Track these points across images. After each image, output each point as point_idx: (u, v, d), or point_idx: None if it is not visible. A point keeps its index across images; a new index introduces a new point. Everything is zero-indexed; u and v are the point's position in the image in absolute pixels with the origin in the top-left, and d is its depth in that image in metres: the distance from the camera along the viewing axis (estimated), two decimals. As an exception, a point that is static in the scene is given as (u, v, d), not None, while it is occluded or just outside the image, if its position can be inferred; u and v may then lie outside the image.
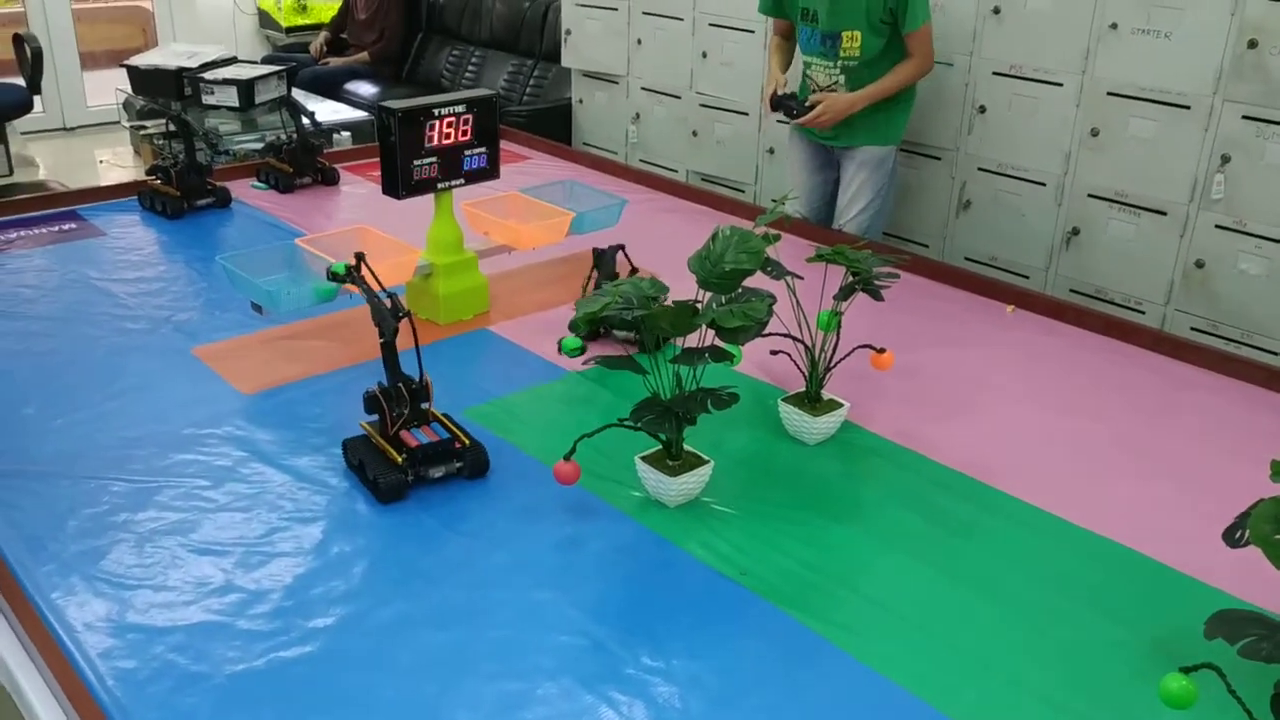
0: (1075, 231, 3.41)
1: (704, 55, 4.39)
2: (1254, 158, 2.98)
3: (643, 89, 4.76)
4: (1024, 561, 1.66)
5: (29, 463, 1.85)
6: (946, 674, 1.42)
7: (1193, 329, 3.18)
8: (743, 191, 4.37)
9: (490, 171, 2.41)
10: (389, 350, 1.78)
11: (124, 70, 3.51)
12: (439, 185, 2.32)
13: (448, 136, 2.30)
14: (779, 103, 3.31)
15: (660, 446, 1.77)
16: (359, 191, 3.33)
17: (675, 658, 1.44)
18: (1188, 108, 3.08)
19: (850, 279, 1.94)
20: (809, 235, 2.99)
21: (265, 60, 6.50)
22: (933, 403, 2.13)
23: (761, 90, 3.47)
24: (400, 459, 1.76)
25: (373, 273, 1.83)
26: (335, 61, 6.91)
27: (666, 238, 2.64)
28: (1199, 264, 3.14)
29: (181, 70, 3.36)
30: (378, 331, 1.78)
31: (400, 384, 1.79)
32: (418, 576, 1.59)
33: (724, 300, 1.71)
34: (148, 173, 3.19)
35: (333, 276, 1.89)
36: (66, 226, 2.97)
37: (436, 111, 2.27)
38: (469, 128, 2.33)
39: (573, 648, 1.46)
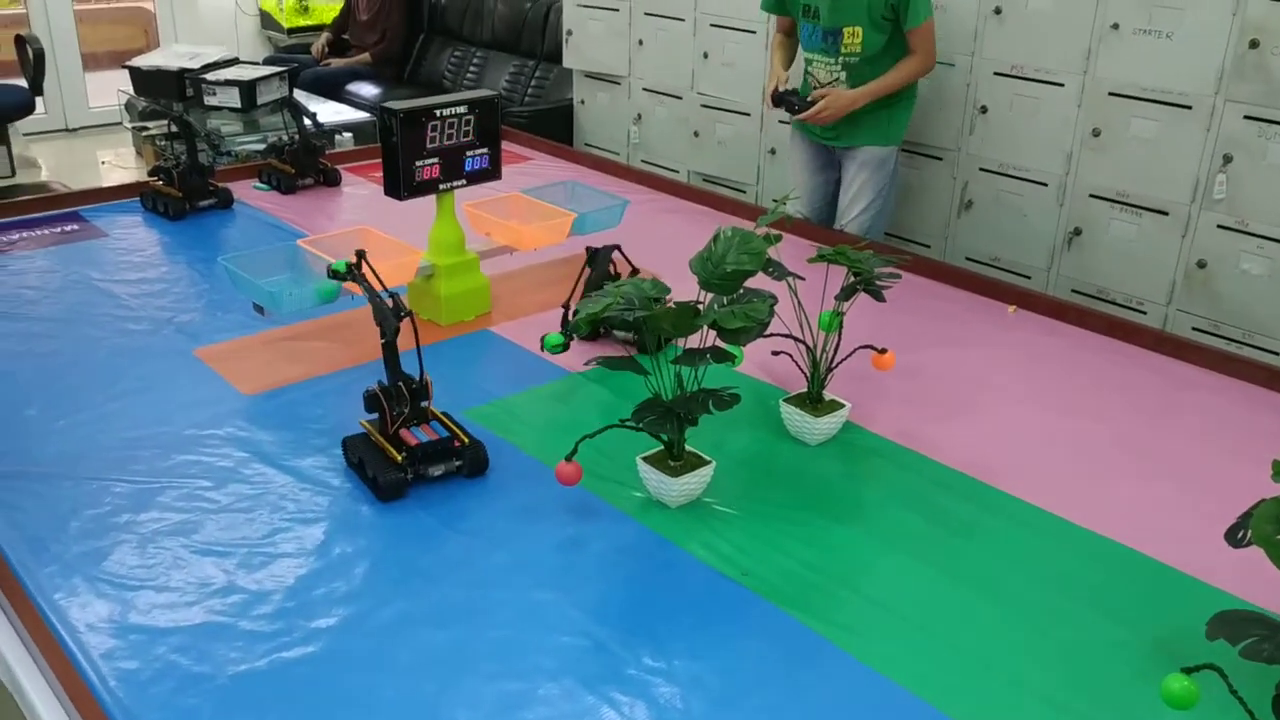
0: (1077, 232, 3.41)
1: (705, 56, 4.39)
2: (1255, 158, 2.98)
3: (644, 89, 4.76)
4: (1025, 562, 1.66)
5: (31, 464, 1.85)
6: (948, 674, 1.43)
7: (1194, 329, 3.18)
8: (744, 192, 4.37)
9: (492, 172, 2.42)
10: (390, 349, 1.79)
11: (126, 71, 3.50)
12: (441, 186, 2.32)
13: (449, 137, 2.30)
14: (780, 99, 3.31)
15: (662, 447, 1.77)
16: (361, 192, 3.34)
17: (677, 658, 1.44)
18: (1189, 108, 3.08)
19: (852, 279, 1.94)
20: (810, 236, 2.99)
21: (267, 61, 6.50)
22: (934, 403, 2.13)
23: (763, 90, 3.46)
24: (400, 457, 1.76)
25: (374, 272, 1.84)
26: (337, 62, 6.91)
27: (668, 238, 2.64)
28: (1201, 264, 3.14)
29: (183, 71, 3.36)
30: (379, 331, 1.78)
31: (400, 383, 1.79)
32: (419, 577, 1.59)
33: (725, 301, 1.71)
34: (150, 174, 3.19)
35: (333, 274, 1.89)
36: (68, 228, 2.98)
37: (438, 112, 2.27)
38: (470, 129, 2.33)
39: (574, 648, 1.46)
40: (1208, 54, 3.01)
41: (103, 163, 6.51)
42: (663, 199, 3.34)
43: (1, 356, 2.23)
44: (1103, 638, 1.50)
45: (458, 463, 1.82)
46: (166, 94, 3.45)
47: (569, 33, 5.03)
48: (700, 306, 1.69)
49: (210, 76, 3.32)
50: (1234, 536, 1.38)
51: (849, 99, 3.21)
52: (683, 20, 4.46)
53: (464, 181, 2.36)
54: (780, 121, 3.95)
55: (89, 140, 7.05)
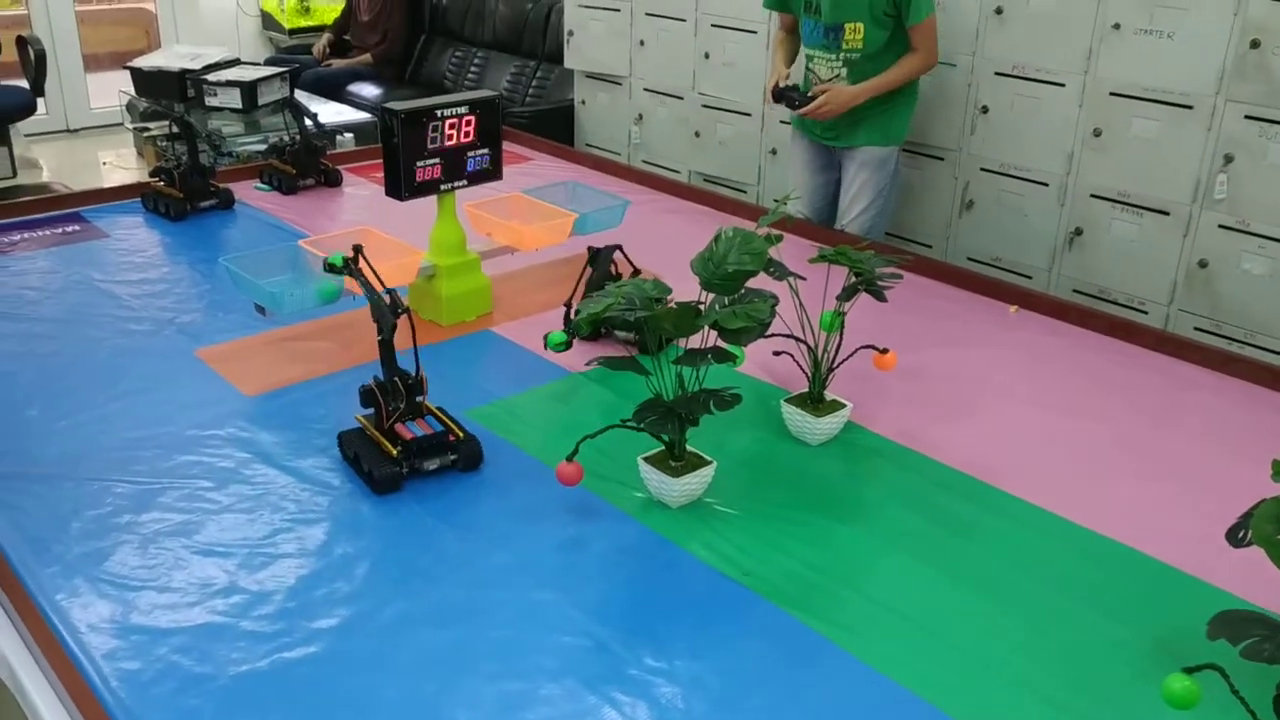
0: (1078, 232, 3.41)
1: (706, 56, 4.39)
2: (1257, 157, 2.98)
3: (645, 90, 4.76)
4: (1027, 562, 1.66)
5: (32, 465, 1.85)
6: (949, 674, 1.43)
7: (1196, 329, 3.17)
8: (745, 192, 4.37)
9: (493, 173, 2.42)
10: (386, 345, 1.80)
11: (127, 72, 3.51)
12: (442, 186, 2.33)
13: (450, 138, 2.30)
14: (781, 94, 3.31)
15: (663, 447, 1.77)
16: (362, 193, 3.34)
17: (678, 658, 1.44)
18: (1190, 108, 3.08)
19: (853, 279, 1.94)
20: (811, 236, 2.99)
21: (268, 62, 6.50)
22: (936, 403, 2.13)
23: (765, 89, 3.46)
24: (395, 451, 1.78)
25: (371, 268, 1.84)
26: (338, 63, 6.92)
27: (669, 239, 2.64)
28: (1202, 264, 3.14)
29: (185, 72, 3.36)
30: (377, 328, 1.79)
31: (396, 378, 1.81)
32: (420, 577, 1.59)
33: (726, 301, 1.71)
34: (151, 174, 3.19)
35: (330, 267, 1.90)
36: (70, 228, 2.98)
37: (439, 113, 2.27)
38: (472, 129, 2.33)
39: (575, 648, 1.46)
40: (1209, 54, 3.01)
41: (104, 163, 6.51)
42: (664, 199, 3.34)
43: (3, 357, 2.23)
44: (1103, 637, 1.50)
45: (452, 457, 1.83)
46: (168, 95, 3.45)
47: (570, 33, 5.03)
48: (701, 307, 1.69)
49: (211, 77, 3.32)
50: (1235, 536, 1.38)
51: (849, 95, 3.21)
52: (684, 21, 4.46)
53: (465, 182, 2.36)
54: (781, 122, 3.95)
55: (90, 141, 7.06)
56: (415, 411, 1.83)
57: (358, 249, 1.85)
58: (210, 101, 3.32)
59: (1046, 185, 3.46)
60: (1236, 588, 1.58)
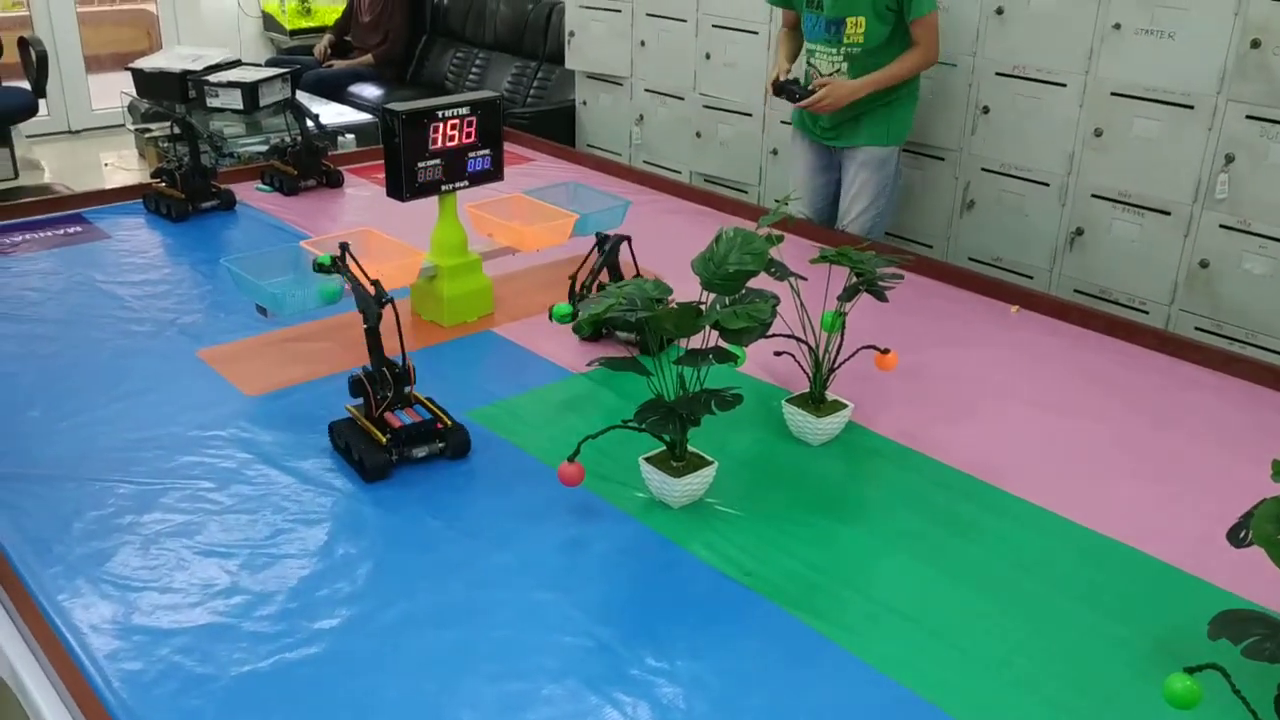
0: (1079, 232, 3.41)
1: (707, 56, 4.39)
2: (1258, 157, 2.98)
3: (646, 90, 4.76)
4: (1028, 562, 1.66)
5: (34, 465, 1.85)
6: (950, 674, 1.43)
7: (1197, 329, 3.17)
8: (746, 192, 4.37)
9: (494, 173, 2.42)
10: (373, 336, 1.84)
11: (129, 73, 3.52)
12: (443, 187, 2.33)
13: (452, 139, 2.30)
14: (781, 88, 3.31)
15: (664, 448, 1.77)
16: (363, 194, 3.34)
17: (679, 658, 1.44)
18: (1191, 108, 3.08)
19: (854, 280, 1.94)
20: (812, 236, 2.99)
21: (269, 63, 6.51)
22: (937, 403, 2.13)
23: (766, 85, 3.45)
24: (385, 439, 1.81)
25: (357, 263, 1.88)
26: (339, 64, 6.92)
27: (670, 239, 2.64)
28: (1203, 264, 3.14)
29: (186, 73, 3.37)
30: (362, 318, 1.83)
31: (384, 368, 1.84)
32: (421, 578, 1.60)
33: (728, 301, 1.72)
34: (152, 175, 3.20)
35: (319, 267, 1.93)
36: (71, 229, 2.98)
37: (440, 114, 2.27)
38: (473, 130, 2.33)
39: (577, 648, 1.46)
40: (1210, 54, 3.01)
41: (105, 165, 6.52)
42: (665, 199, 3.34)
43: (4, 358, 2.24)
44: (1104, 637, 1.50)
45: (441, 444, 1.86)
46: (169, 96, 3.46)
47: (571, 34, 5.04)
48: (702, 307, 1.69)
49: (213, 78, 3.33)
50: (1236, 536, 1.38)
51: (849, 89, 3.20)
52: (684, 21, 4.46)
53: (466, 183, 2.36)
54: (782, 122, 3.95)
55: (92, 142, 7.06)
56: (403, 400, 1.86)
57: (344, 247, 1.89)
58: (212, 102, 3.33)
59: (1047, 185, 3.46)
60: (1237, 587, 1.58)
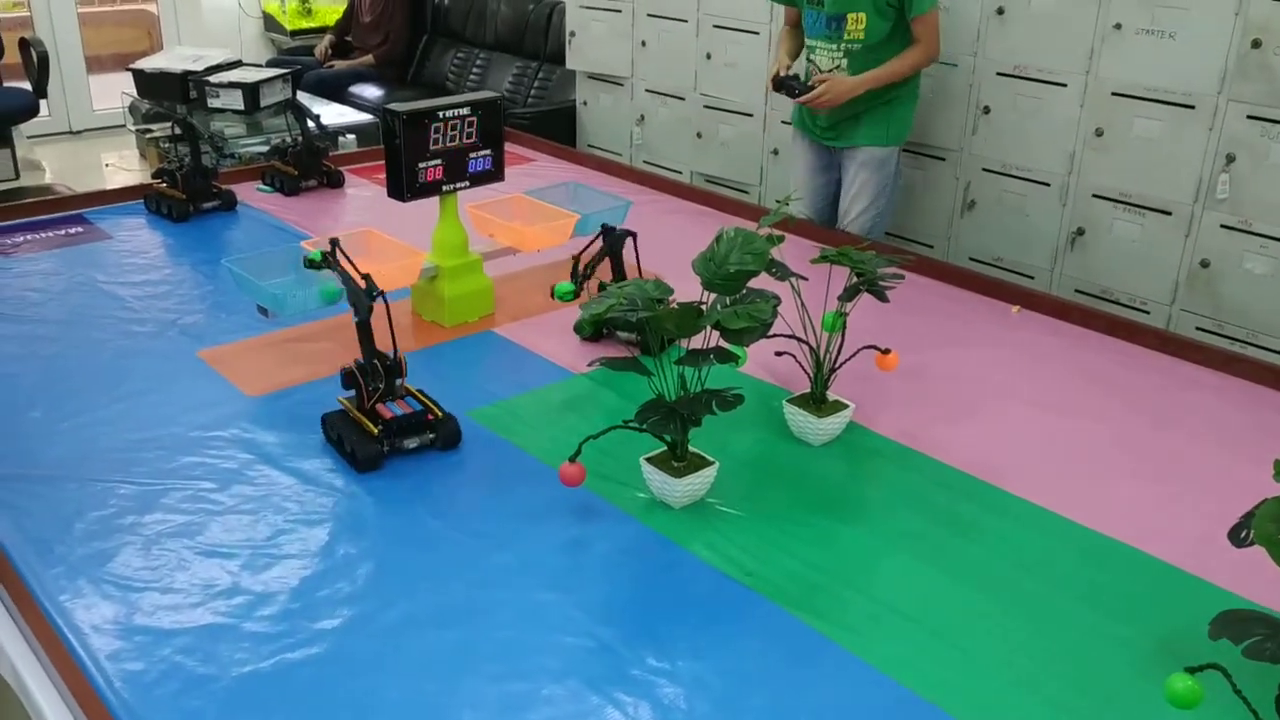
0: (1080, 232, 3.41)
1: (708, 57, 4.39)
2: (1259, 157, 2.98)
3: (647, 91, 4.76)
4: (1028, 562, 1.66)
5: (35, 466, 1.85)
6: (951, 674, 1.43)
7: (1198, 329, 3.17)
8: (747, 193, 4.37)
9: (495, 174, 2.42)
10: (364, 329, 1.87)
11: (130, 74, 3.51)
12: (444, 188, 2.33)
13: (452, 139, 2.30)
14: (781, 83, 3.31)
15: (665, 448, 1.77)
16: (364, 194, 3.34)
17: (680, 659, 1.44)
18: (1192, 107, 3.08)
19: (855, 280, 1.94)
20: (813, 236, 2.99)
21: (270, 63, 6.51)
22: (938, 403, 2.13)
23: (766, 80, 3.45)
24: (376, 430, 1.83)
25: (348, 257, 1.90)
26: (340, 64, 6.92)
27: (671, 239, 2.64)
28: (1204, 264, 3.14)
29: (187, 74, 3.37)
30: (353, 311, 1.86)
31: (376, 360, 1.87)
32: (423, 578, 1.60)
33: (729, 301, 1.72)
34: (153, 176, 3.20)
35: (309, 263, 1.95)
36: (73, 230, 2.98)
37: (441, 114, 2.27)
38: (474, 130, 2.33)
39: (578, 649, 1.46)
40: (1210, 54, 3.00)
41: (107, 165, 6.52)
42: (665, 200, 3.34)
43: (6, 359, 2.24)
44: (1105, 637, 1.50)
45: (431, 436, 1.89)
46: (170, 96, 3.46)
47: (572, 34, 5.04)
48: (703, 307, 1.69)
49: (214, 79, 3.33)
50: (1237, 536, 1.38)
51: (849, 85, 3.20)
52: (685, 21, 4.46)
53: (467, 183, 2.37)
54: (783, 122, 3.95)
55: (93, 143, 7.06)
56: (394, 392, 1.89)
57: (334, 242, 1.91)
58: (212, 103, 3.33)
59: (1048, 185, 3.46)
60: (1238, 587, 1.58)
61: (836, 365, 1.96)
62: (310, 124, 3.36)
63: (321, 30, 7.55)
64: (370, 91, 6.54)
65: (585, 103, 5.16)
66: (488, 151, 2.38)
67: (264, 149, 4.29)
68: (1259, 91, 2.94)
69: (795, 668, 1.43)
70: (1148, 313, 3.28)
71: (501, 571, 1.61)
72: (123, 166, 6.41)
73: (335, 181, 3.38)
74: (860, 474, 1.92)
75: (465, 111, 2.31)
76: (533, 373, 2.23)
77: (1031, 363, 2.32)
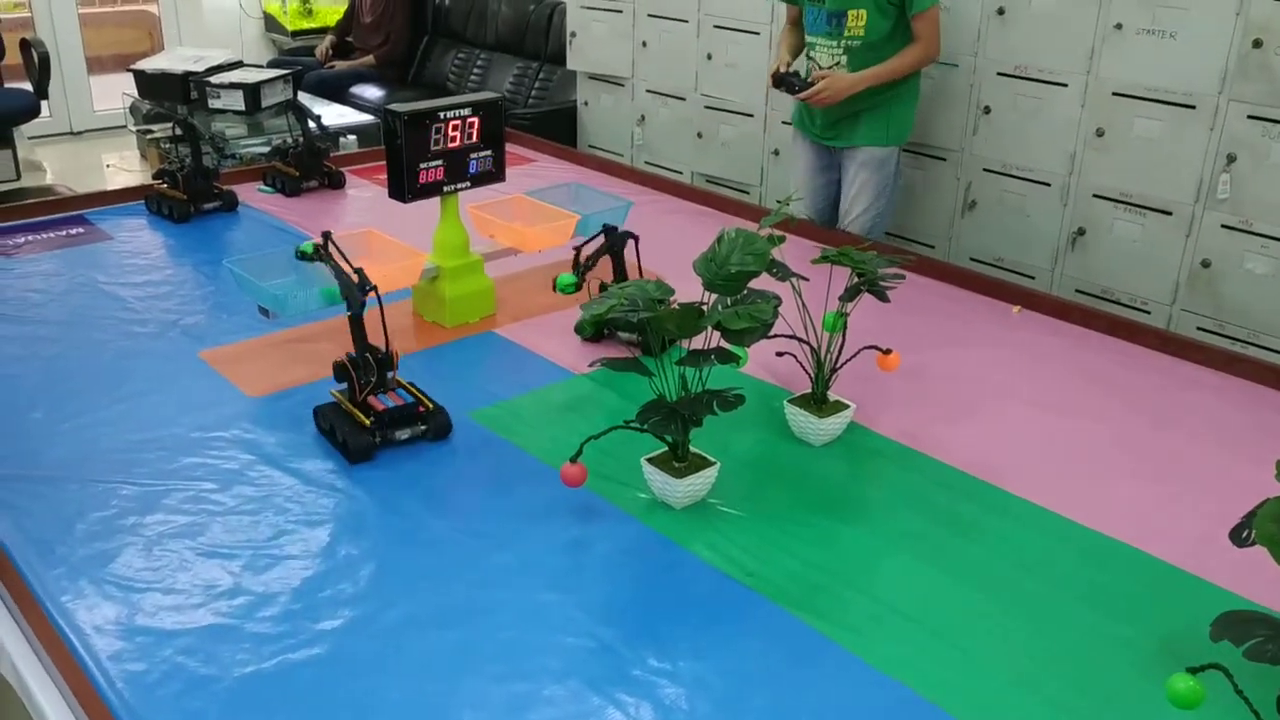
0: (1081, 232, 3.41)
1: (709, 57, 4.39)
2: (1260, 157, 2.98)
3: (648, 91, 4.76)
4: (1029, 562, 1.66)
5: (37, 466, 1.86)
6: (952, 674, 1.43)
7: (1199, 329, 3.17)
8: (747, 193, 4.37)
9: (496, 174, 2.42)
10: (356, 322, 1.89)
11: (130, 74, 3.51)
12: (445, 188, 2.33)
13: (453, 139, 2.30)
14: (781, 80, 3.30)
15: (666, 448, 1.77)
16: (365, 195, 3.34)
17: (682, 659, 1.44)
18: (1193, 107, 3.08)
19: (855, 280, 1.94)
20: (814, 236, 2.99)
21: (271, 64, 6.51)
22: (939, 404, 2.13)
23: (766, 75, 3.45)
24: (368, 422, 1.86)
25: (340, 250, 1.91)
26: (341, 65, 6.92)
27: (672, 239, 2.64)
28: (1205, 264, 3.14)
29: (188, 74, 3.36)
30: (346, 304, 1.89)
31: (367, 354, 1.89)
32: (424, 578, 1.60)
33: (729, 302, 1.72)
34: (154, 177, 3.20)
35: (301, 255, 1.97)
36: (74, 231, 2.98)
37: (442, 115, 2.27)
38: (474, 131, 2.34)
39: (579, 649, 1.46)
40: (1211, 54, 3.00)
41: (108, 166, 6.52)
42: (666, 200, 3.34)
43: (7, 359, 2.24)
44: (1106, 637, 1.50)
45: (423, 427, 1.92)
46: (171, 97, 3.45)
47: (573, 34, 5.04)
48: (704, 307, 1.69)
49: (215, 79, 3.32)
50: (1238, 536, 1.38)
51: (848, 82, 3.19)
52: (686, 22, 4.46)
53: (468, 184, 2.37)
54: (784, 122, 3.95)
55: (94, 143, 7.06)
56: (386, 385, 1.91)
57: (326, 235, 1.93)
58: (213, 104, 3.33)
59: (1049, 185, 3.45)
60: (1240, 587, 1.58)
61: (837, 365, 1.97)
62: (311, 125, 3.36)
63: (322, 31, 7.55)
64: (371, 92, 6.54)
65: (586, 103, 5.16)
66: (489, 152, 2.38)
67: (265, 150, 4.29)
68: (1260, 91, 2.94)
69: (796, 668, 1.43)
70: (1148, 313, 3.28)
71: (503, 572, 1.61)
72: (124, 167, 6.41)
73: (336, 182, 3.38)
74: (861, 474, 1.92)
75: (466, 112, 2.31)
76: (534, 373, 2.23)
77: (1032, 363, 2.32)
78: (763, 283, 1.77)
